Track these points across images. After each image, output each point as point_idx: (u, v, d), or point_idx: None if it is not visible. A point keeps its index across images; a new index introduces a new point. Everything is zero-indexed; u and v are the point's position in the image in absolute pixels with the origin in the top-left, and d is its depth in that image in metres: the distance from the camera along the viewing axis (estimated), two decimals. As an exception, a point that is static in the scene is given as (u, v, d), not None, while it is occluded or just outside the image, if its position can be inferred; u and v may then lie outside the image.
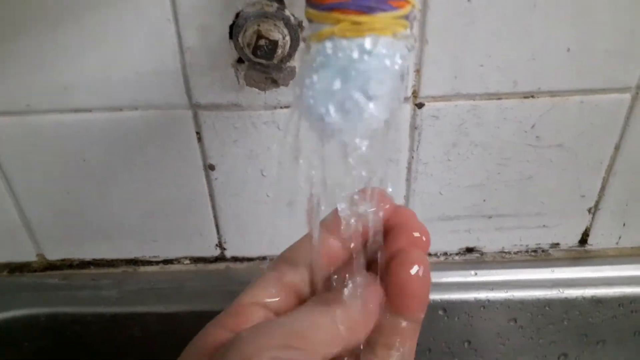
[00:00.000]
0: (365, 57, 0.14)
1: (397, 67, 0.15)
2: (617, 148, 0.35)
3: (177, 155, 0.35)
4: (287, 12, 0.29)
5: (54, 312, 0.37)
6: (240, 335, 0.17)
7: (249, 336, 0.17)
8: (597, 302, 0.37)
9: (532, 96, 0.33)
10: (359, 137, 0.16)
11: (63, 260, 0.41)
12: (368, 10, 0.14)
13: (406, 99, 0.33)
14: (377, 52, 0.14)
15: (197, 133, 0.34)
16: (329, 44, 0.15)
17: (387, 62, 0.14)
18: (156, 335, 0.37)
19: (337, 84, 0.15)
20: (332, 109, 0.15)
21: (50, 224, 0.39)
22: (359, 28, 0.14)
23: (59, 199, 0.37)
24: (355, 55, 0.14)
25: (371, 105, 0.15)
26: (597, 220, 0.39)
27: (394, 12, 0.14)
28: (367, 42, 0.14)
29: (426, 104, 0.33)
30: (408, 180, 0.36)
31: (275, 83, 0.32)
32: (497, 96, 0.33)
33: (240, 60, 0.31)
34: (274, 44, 0.29)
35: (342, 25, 0.14)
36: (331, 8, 0.14)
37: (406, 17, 0.15)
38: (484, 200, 0.37)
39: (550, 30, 0.30)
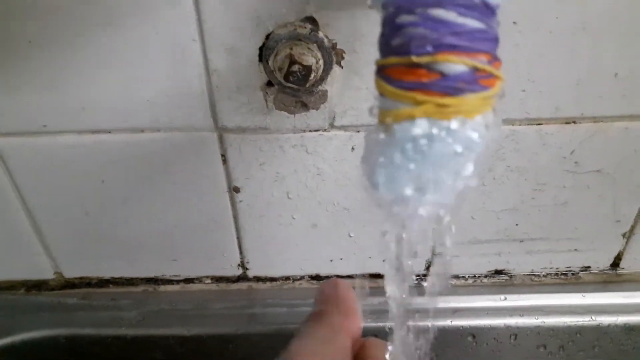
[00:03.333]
0: (451, 142, 0.13)
1: (483, 146, 0.13)
2: (658, 174, 0.34)
3: (201, 177, 0.34)
4: (320, 34, 0.27)
5: (73, 333, 0.37)
6: None
7: None
8: (630, 330, 0.36)
9: (574, 122, 0.31)
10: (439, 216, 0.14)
11: (81, 278, 0.40)
12: (454, 92, 0.12)
13: (442, 124, 0.31)
14: (464, 136, 0.13)
15: (222, 155, 0.33)
16: (411, 126, 0.13)
17: (475, 144, 0.13)
18: (179, 358, 0.36)
19: (418, 169, 0.13)
20: (408, 191, 0.14)
21: (68, 242, 0.38)
22: (443, 111, 0.13)
23: (77, 218, 0.36)
24: (442, 138, 0.13)
25: (458, 184, 0.13)
26: (631, 244, 0.37)
27: (483, 93, 0.13)
28: (454, 125, 0.13)
29: (463, 129, 0.31)
30: (439, 204, 0.35)
31: (305, 107, 0.30)
32: (538, 122, 0.31)
33: (269, 84, 0.29)
34: (308, 69, 0.27)
35: (425, 107, 0.13)
36: (413, 87, 0.13)
37: (495, 95, 0.13)
38: (517, 225, 0.36)
39: (598, 54, 0.28)
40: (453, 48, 0.12)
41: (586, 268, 0.39)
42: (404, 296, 0.17)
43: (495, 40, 0.14)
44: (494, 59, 0.14)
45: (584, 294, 0.37)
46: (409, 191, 0.13)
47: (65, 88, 0.30)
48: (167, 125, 0.31)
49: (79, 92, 0.30)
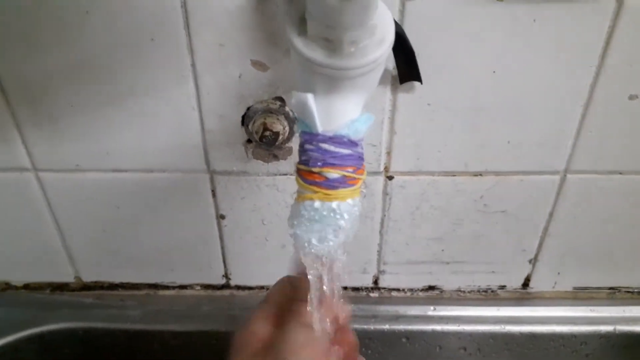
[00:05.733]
0: (332, 214, 0.22)
1: (354, 216, 0.23)
2: (551, 215, 0.43)
3: (195, 206, 0.43)
4: (287, 109, 0.37)
5: (88, 326, 0.46)
6: None
7: None
8: (533, 337, 0.46)
9: (480, 174, 0.41)
10: (330, 252, 0.24)
11: (96, 282, 0.49)
12: (333, 188, 0.22)
13: (379, 173, 0.41)
14: (340, 210, 0.22)
15: (212, 191, 0.42)
16: (312, 204, 0.23)
17: (346, 216, 0.23)
18: (173, 349, 0.46)
19: (317, 228, 0.23)
20: (313, 240, 0.23)
21: (87, 252, 0.47)
22: (328, 198, 0.22)
23: (96, 234, 0.46)
24: (327, 213, 0.22)
25: (338, 238, 0.23)
26: (537, 269, 0.47)
27: (350, 188, 0.22)
28: (334, 205, 0.22)
29: (395, 177, 0.41)
30: (381, 232, 0.44)
31: (276, 157, 0.40)
32: (452, 174, 0.41)
33: (249, 141, 0.39)
34: (276, 134, 0.37)
35: (318, 195, 0.22)
36: (311, 183, 0.23)
37: (358, 188, 0.23)
38: (442, 250, 0.45)
39: (494, 128, 0.38)
40: (332, 165, 0.22)
41: (502, 287, 0.48)
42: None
43: (359, 158, 0.23)
44: (358, 168, 0.23)
45: (499, 308, 0.47)
46: (306, 239, 0.23)
47: (95, 138, 0.39)
48: (171, 167, 0.41)
49: (105, 141, 0.40)
